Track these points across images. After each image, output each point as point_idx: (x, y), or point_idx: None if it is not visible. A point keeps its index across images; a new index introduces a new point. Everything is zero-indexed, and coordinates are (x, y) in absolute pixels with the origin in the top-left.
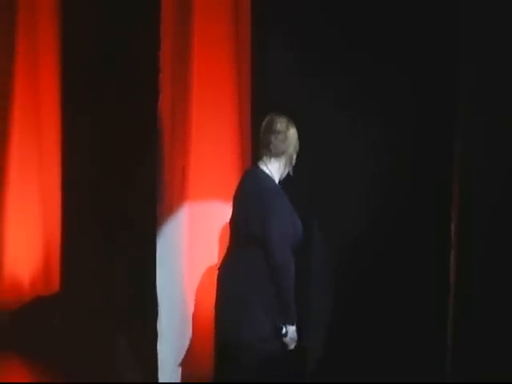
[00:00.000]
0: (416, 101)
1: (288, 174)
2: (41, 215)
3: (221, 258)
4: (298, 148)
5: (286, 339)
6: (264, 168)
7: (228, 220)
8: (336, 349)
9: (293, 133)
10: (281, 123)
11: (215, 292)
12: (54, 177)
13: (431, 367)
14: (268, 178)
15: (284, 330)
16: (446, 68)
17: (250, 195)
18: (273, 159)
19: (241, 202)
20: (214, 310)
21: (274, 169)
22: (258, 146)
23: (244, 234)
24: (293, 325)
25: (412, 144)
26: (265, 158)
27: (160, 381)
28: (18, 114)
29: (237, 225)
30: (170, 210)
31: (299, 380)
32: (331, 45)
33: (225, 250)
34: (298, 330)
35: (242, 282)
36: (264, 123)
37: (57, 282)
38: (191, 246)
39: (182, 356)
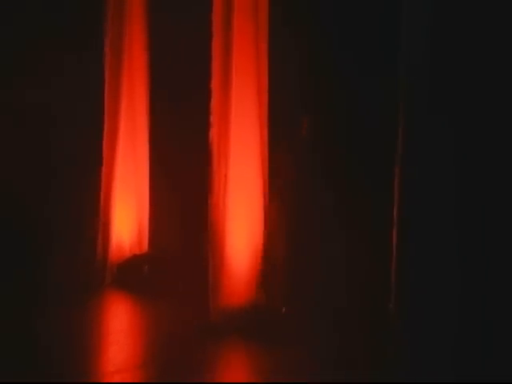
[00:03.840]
0: None
1: None
2: (135, 199)
3: None
4: None
5: None
6: None
7: None
8: None
9: None
10: None
11: None
12: (144, 170)
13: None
14: None
15: None
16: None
17: None
18: None
19: None
20: None
21: None
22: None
23: None
24: None
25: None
26: None
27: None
28: (124, 116)
29: None
30: (218, 200)
31: None
32: None
33: None
34: None
35: None
36: None
37: (146, 244)
38: None
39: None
